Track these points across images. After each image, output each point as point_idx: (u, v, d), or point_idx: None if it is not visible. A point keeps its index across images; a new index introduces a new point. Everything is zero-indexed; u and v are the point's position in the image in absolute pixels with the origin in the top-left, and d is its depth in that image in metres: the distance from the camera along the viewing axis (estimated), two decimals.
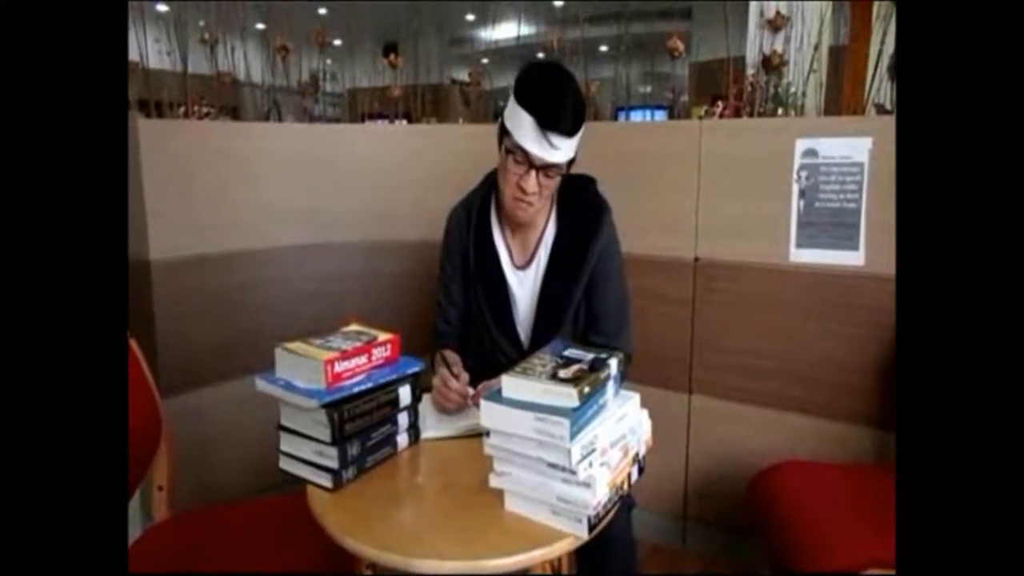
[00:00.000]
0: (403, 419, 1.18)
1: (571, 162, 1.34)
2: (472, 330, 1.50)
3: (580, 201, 1.44)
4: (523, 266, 1.46)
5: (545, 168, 1.29)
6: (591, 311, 1.41)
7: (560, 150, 1.26)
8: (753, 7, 2.35)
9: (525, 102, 1.25)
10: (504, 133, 1.30)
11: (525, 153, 1.27)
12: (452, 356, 1.40)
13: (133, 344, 1.39)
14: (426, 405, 1.31)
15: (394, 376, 1.16)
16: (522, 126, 1.25)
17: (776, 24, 2.07)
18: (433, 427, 1.25)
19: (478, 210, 1.46)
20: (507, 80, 1.38)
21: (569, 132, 1.26)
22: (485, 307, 1.45)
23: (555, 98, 1.26)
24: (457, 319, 1.52)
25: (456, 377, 1.31)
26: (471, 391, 1.32)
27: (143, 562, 1.25)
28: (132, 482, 1.35)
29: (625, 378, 1.34)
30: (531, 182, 1.29)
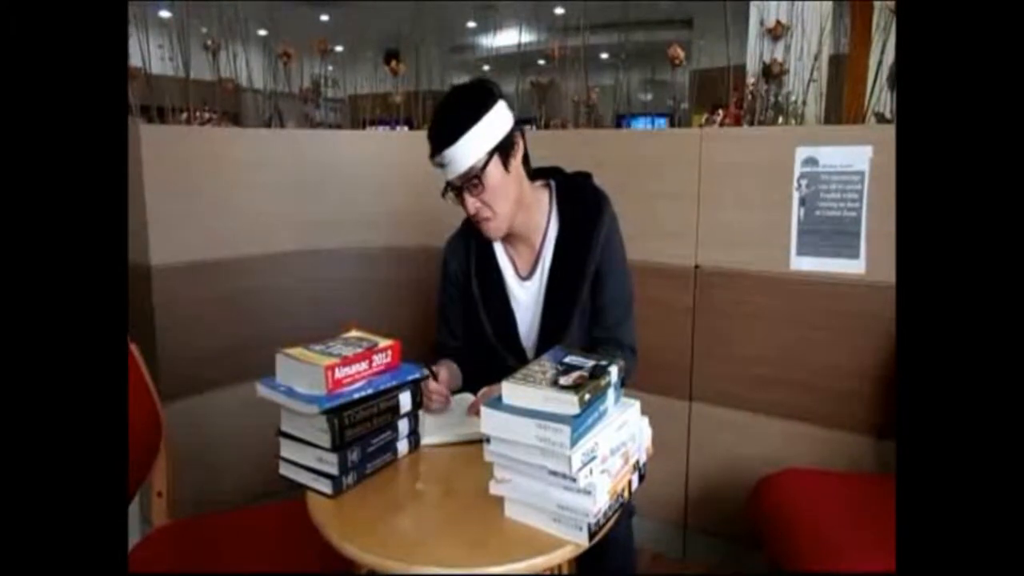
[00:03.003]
0: (403, 425, 1.18)
1: (502, 157, 1.31)
2: (476, 349, 1.49)
3: (578, 197, 1.44)
4: (528, 276, 1.45)
5: (466, 184, 1.31)
6: (593, 304, 1.41)
7: (452, 162, 1.29)
8: (753, 16, 2.35)
9: None
10: None
11: (448, 185, 1.33)
12: (440, 363, 1.41)
13: (133, 348, 1.39)
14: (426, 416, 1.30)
15: (395, 382, 1.15)
16: None
17: (776, 33, 2.08)
18: (433, 432, 1.25)
19: (477, 233, 1.46)
20: (508, 87, 1.38)
21: (445, 143, 1.27)
22: (488, 324, 1.45)
23: (431, 123, 1.33)
24: (455, 348, 1.52)
25: (434, 377, 1.31)
26: (465, 397, 1.33)
27: (141, 567, 1.25)
28: (131, 487, 1.35)
29: (631, 374, 1.34)
30: (468, 203, 1.33)
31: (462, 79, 1.40)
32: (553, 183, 1.46)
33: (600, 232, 1.39)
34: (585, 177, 1.48)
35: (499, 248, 1.47)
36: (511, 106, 1.36)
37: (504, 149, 1.31)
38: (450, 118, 1.29)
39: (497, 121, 1.30)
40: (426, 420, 1.26)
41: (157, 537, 1.37)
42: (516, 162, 1.35)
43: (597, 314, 1.41)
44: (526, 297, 1.45)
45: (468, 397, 1.39)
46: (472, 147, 1.27)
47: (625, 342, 1.41)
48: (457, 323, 1.51)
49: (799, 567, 1.32)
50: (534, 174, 1.44)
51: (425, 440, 1.23)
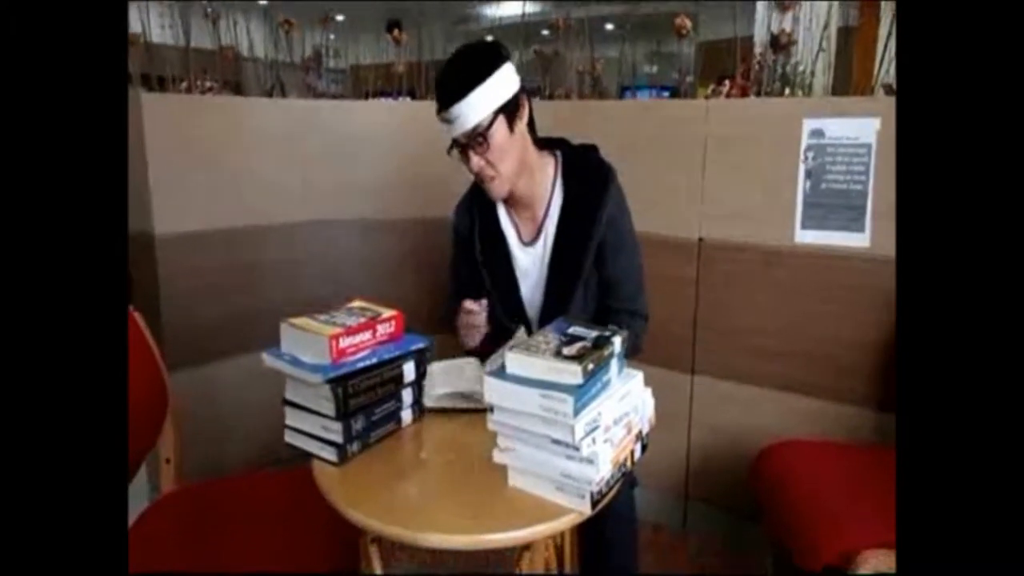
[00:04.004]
0: (407, 395, 1.19)
1: (508, 118, 1.30)
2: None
3: (583, 169, 1.44)
4: (531, 242, 1.46)
5: (471, 142, 1.30)
6: (607, 278, 1.42)
7: (460, 117, 1.28)
8: None
9: None
10: None
11: (454, 142, 1.33)
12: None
13: (138, 317, 1.39)
14: (433, 369, 1.32)
15: (398, 352, 1.16)
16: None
17: (785, 4, 2.05)
18: (441, 385, 1.26)
19: (480, 198, 1.47)
20: (512, 57, 1.37)
21: (453, 97, 1.26)
22: (492, 289, 1.46)
23: (439, 78, 1.32)
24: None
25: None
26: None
27: (150, 532, 1.27)
28: (139, 454, 1.36)
29: (642, 340, 1.42)
30: (472, 161, 1.33)
31: None
32: (559, 153, 1.46)
33: (606, 205, 1.39)
34: (591, 150, 1.47)
35: (502, 212, 1.48)
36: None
37: (510, 110, 1.31)
38: (459, 74, 1.28)
39: (504, 81, 1.29)
40: (435, 372, 1.27)
41: (165, 503, 1.38)
42: (521, 124, 1.35)
43: (611, 287, 1.43)
44: (528, 262, 1.46)
45: (472, 361, 1.38)
46: (479, 105, 1.27)
47: (640, 312, 1.44)
48: (468, 286, 1.52)
49: (799, 538, 1.34)
50: (541, 144, 1.43)
51: (433, 391, 1.23)
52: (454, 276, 1.58)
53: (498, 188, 1.37)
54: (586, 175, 1.42)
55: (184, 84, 2.17)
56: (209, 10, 2.28)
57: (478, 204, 1.48)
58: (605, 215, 1.38)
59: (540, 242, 1.45)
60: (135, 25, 2.05)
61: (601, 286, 1.43)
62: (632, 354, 1.36)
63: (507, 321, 1.44)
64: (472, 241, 1.48)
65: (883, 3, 2.36)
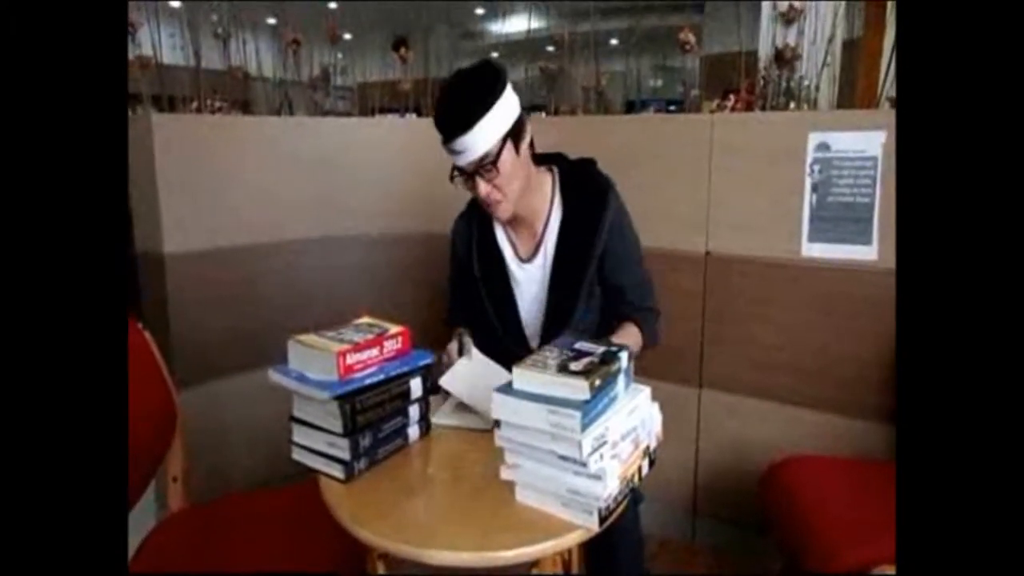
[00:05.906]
0: (414, 411, 1.19)
1: (514, 141, 1.29)
2: (479, 332, 1.50)
3: (582, 183, 1.44)
4: (528, 259, 1.46)
5: (479, 170, 1.29)
6: (615, 286, 1.43)
7: (468, 149, 1.26)
8: None
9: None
10: None
11: (457, 168, 1.31)
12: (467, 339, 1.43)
13: (147, 335, 1.40)
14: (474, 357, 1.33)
15: (405, 368, 1.16)
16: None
17: (789, 17, 2.05)
18: (445, 416, 1.26)
19: (479, 214, 1.47)
20: (517, 74, 1.38)
21: (461, 128, 1.24)
22: (489, 305, 1.47)
23: (440, 108, 1.29)
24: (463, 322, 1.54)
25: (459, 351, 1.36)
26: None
27: (158, 552, 1.27)
28: (148, 472, 1.37)
29: (659, 334, 1.44)
30: (480, 187, 1.32)
31: None
32: (556, 169, 1.46)
33: (605, 220, 1.39)
34: (589, 163, 1.48)
35: (499, 230, 1.48)
36: (516, 90, 1.35)
37: (515, 134, 1.30)
38: (462, 105, 1.26)
39: (508, 106, 1.28)
40: (439, 401, 1.27)
41: (173, 521, 1.39)
42: (524, 145, 1.34)
43: (621, 294, 1.43)
44: (526, 279, 1.46)
45: (499, 371, 1.36)
46: (486, 134, 1.25)
47: (652, 308, 1.46)
48: (466, 301, 1.53)
49: (809, 553, 1.32)
50: (538, 160, 1.44)
51: (436, 419, 1.24)
52: (452, 291, 1.59)
53: (504, 210, 1.37)
54: (585, 189, 1.42)
55: (194, 104, 2.20)
56: (219, 30, 2.31)
57: (477, 220, 1.49)
58: (606, 228, 1.38)
59: (539, 258, 1.45)
60: (147, 47, 2.09)
61: (610, 292, 1.44)
62: (652, 342, 1.41)
63: (507, 339, 1.44)
64: (470, 257, 1.49)
65: (889, 15, 2.37)
